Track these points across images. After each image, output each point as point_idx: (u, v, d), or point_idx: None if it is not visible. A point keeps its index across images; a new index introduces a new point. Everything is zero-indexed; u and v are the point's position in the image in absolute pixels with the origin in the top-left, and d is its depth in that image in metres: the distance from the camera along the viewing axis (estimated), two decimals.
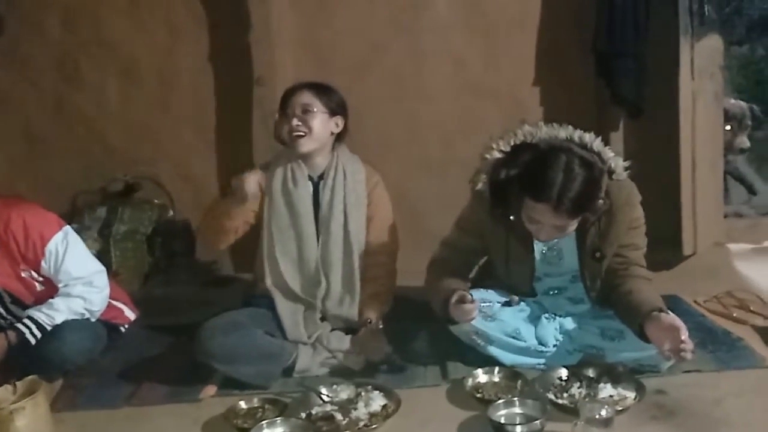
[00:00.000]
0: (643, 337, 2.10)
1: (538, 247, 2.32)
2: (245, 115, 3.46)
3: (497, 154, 2.26)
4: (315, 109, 2.45)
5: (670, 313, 2.07)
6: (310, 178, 2.54)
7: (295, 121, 2.44)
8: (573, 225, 2.14)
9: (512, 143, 2.26)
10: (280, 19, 3.41)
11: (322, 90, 2.50)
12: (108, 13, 3.55)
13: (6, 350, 2.29)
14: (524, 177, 2.12)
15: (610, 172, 2.20)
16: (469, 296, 2.21)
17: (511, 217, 2.21)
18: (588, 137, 2.22)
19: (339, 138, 2.56)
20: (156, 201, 3.62)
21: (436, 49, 3.51)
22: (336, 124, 2.52)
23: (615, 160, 2.22)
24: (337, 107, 2.51)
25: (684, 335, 1.97)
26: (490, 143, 2.30)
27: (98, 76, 3.64)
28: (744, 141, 3.96)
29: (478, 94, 3.52)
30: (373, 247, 2.55)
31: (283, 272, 2.48)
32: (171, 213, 3.63)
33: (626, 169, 2.22)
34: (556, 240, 2.26)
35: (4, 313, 2.43)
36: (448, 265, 2.42)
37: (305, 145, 2.47)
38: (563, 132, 2.24)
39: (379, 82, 3.51)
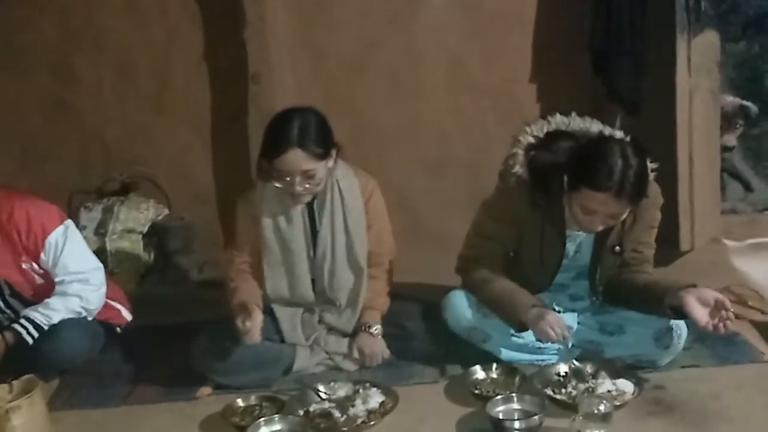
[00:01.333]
0: (676, 313, 2.08)
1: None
2: (241, 113, 3.45)
3: (531, 139, 2.23)
4: (316, 172, 2.25)
5: None
6: (300, 212, 2.39)
7: (298, 187, 2.25)
8: (626, 213, 2.10)
9: (545, 130, 2.24)
10: (275, 16, 3.39)
11: (312, 142, 2.22)
12: (103, 12, 3.53)
13: (3, 351, 2.28)
14: (579, 167, 2.07)
15: None
16: (554, 313, 2.13)
17: (538, 195, 2.17)
18: (618, 134, 2.21)
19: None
20: (152, 200, 3.61)
21: (433, 46, 3.50)
22: (331, 157, 2.32)
23: None
24: (327, 146, 2.28)
25: (729, 305, 1.97)
26: (523, 127, 2.26)
27: (94, 76, 3.63)
28: (730, 139, 3.92)
29: (474, 92, 3.52)
30: (371, 254, 2.48)
31: (275, 306, 2.45)
32: (167, 212, 3.61)
33: (653, 170, 2.19)
34: (581, 233, 2.23)
35: (2, 306, 2.44)
36: (489, 260, 2.30)
37: (308, 198, 2.35)
38: (595, 126, 2.23)
39: (375, 80, 3.51)
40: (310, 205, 2.39)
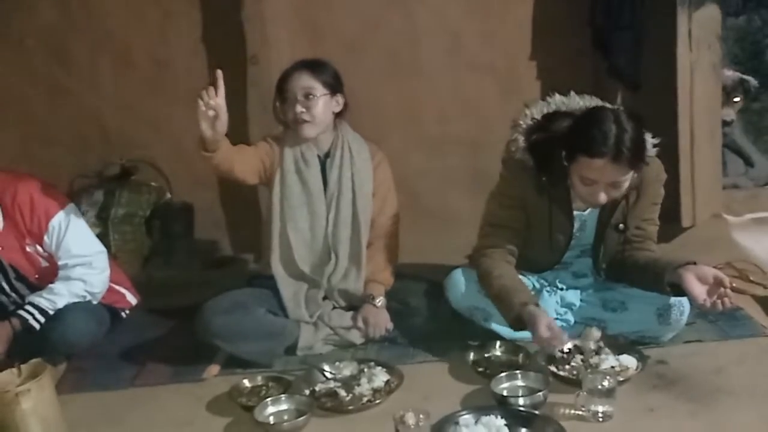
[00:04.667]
0: (675, 291, 2.08)
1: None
2: (240, 94, 3.42)
3: (530, 122, 2.23)
4: (317, 93, 2.41)
5: None
6: (317, 157, 2.52)
7: (298, 108, 2.40)
8: (627, 182, 2.09)
9: (545, 111, 2.24)
10: None
11: (319, 68, 2.46)
12: None
13: (11, 337, 2.30)
14: (574, 137, 2.07)
15: None
16: (545, 316, 2.06)
17: (543, 178, 2.17)
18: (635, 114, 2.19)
19: (340, 114, 2.54)
20: (153, 183, 3.60)
21: (432, 24, 3.47)
22: (337, 102, 2.49)
23: (644, 136, 2.20)
24: (336, 84, 2.47)
25: (728, 282, 1.97)
26: (523, 110, 2.26)
27: (91, 59, 3.60)
28: (729, 113, 3.88)
29: (474, 70, 3.50)
30: (375, 223, 2.55)
31: (294, 248, 2.48)
32: (168, 195, 3.61)
33: (655, 146, 2.19)
34: (587, 210, 2.23)
35: (7, 290, 2.45)
36: (499, 248, 2.29)
37: (310, 131, 2.44)
38: (594, 102, 2.22)
39: (375, 59, 3.48)
40: (323, 163, 2.50)
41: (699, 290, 1.99)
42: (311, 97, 2.40)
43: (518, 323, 2.12)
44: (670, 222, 3.12)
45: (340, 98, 2.49)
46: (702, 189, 3.18)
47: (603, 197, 2.09)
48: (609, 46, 3.16)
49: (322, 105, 2.42)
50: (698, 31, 3.06)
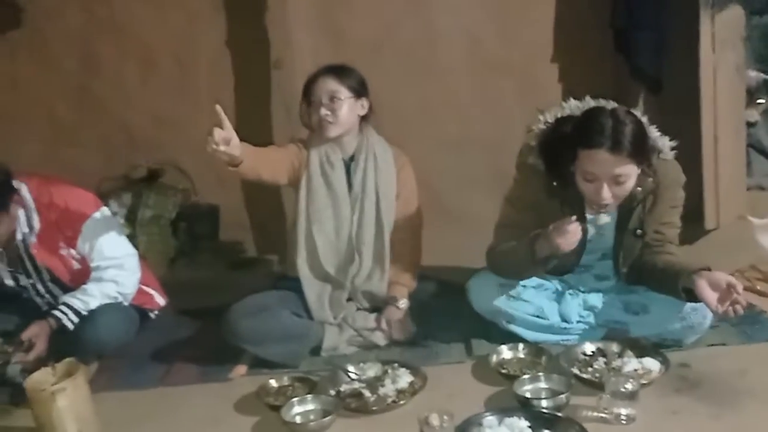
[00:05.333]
0: (689, 296, 2.09)
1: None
2: (264, 98, 3.48)
3: (543, 127, 2.25)
4: (342, 96, 2.46)
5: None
6: (342, 160, 2.56)
7: (323, 111, 2.44)
8: (631, 179, 2.09)
9: (558, 116, 2.26)
10: (296, 0, 3.40)
11: (345, 74, 2.50)
12: (126, 0, 3.57)
13: (49, 336, 2.36)
14: (575, 134, 2.11)
15: (657, 152, 2.19)
16: (574, 219, 2.09)
17: (555, 183, 2.19)
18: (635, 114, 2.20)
19: (365, 118, 2.57)
20: (179, 186, 3.67)
21: (451, 26, 3.50)
22: (362, 105, 2.53)
23: (661, 139, 2.21)
24: (361, 88, 2.52)
25: (740, 289, 1.97)
26: (537, 115, 2.29)
27: (118, 63, 3.68)
28: (752, 114, 3.86)
29: (494, 71, 3.52)
30: (398, 225, 2.58)
31: (318, 250, 2.51)
32: (194, 197, 3.67)
33: (672, 149, 2.20)
34: (602, 215, 2.24)
35: (42, 291, 2.52)
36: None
37: (333, 131, 2.48)
38: (609, 105, 2.22)
39: (395, 61, 3.52)
40: (348, 166, 2.54)
41: (711, 296, 2.00)
42: (336, 100, 2.45)
43: (538, 249, 2.15)
44: (694, 224, 3.11)
45: (365, 102, 2.53)
46: (726, 190, 3.16)
47: (606, 193, 2.09)
48: (631, 48, 3.15)
49: (347, 108, 2.47)
50: (722, 32, 3.05)
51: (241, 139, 3.77)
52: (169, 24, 3.59)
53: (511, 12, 3.45)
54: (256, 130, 3.54)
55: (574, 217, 2.10)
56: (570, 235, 2.10)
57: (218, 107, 2.16)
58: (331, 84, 2.46)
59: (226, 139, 2.15)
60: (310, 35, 3.46)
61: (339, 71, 2.49)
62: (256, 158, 2.35)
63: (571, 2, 3.39)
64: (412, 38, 3.51)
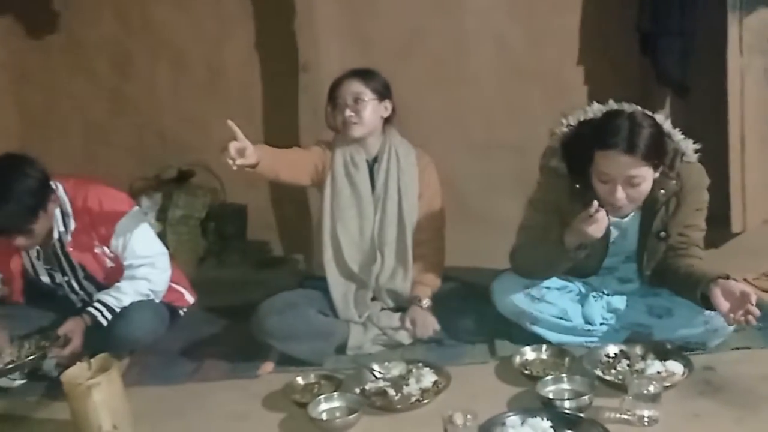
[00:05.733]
0: (706, 303, 2.10)
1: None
2: (292, 100, 3.53)
3: (565, 130, 2.28)
4: (366, 98, 2.52)
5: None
6: (366, 161, 2.61)
7: (347, 112, 2.51)
8: (647, 182, 2.11)
9: (581, 119, 2.28)
10: (324, 6, 3.45)
11: (369, 76, 2.56)
12: (159, 6, 3.65)
13: (83, 331, 2.43)
14: (591, 136, 2.13)
15: (681, 154, 2.19)
16: (596, 205, 2.09)
17: (577, 185, 2.21)
18: (658, 117, 2.21)
19: (389, 120, 2.62)
20: (208, 187, 3.72)
21: (479, 31, 3.51)
22: (385, 107, 2.59)
23: (685, 142, 2.22)
24: (384, 91, 2.58)
25: (754, 299, 1.98)
26: (560, 119, 2.31)
27: (150, 67, 3.76)
28: None
29: (521, 76, 3.52)
30: (422, 225, 2.62)
31: (343, 248, 2.56)
32: (223, 198, 3.73)
33: (696, 151, 2.21)
34: (626, 218, 2.26)
35: (77, 288, 2.60)
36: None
37: (357, 131, 2.54)
38: (630, 109, 2.23)
39: (422, 66, 3.54)
40: (370, 167, 2.59)
41: (724, 305, 2.01)
42: (360, 101, 2.51)
43: (567, 242, 2.17)
44: (720, 227, 3.10)
45: (388, 104, 2.59)
46: (752, 194, 3.14)
47: (620, 194, 2.10)
48: (657, 52, 3.14)
49: (371, 109, 2.53)
50: (749, 36, 3.03)
51: (268, 141, 3.86)
52: (200, 29, 3.66)
53: (539, 17, 3.46)
54: (283, 131, 3.62)
55: (595, 203, 2.10)
56: (599, 222, 2.10)
57: (230, 122, 2.23)
58: (355, 86, 2.52)
59: (240, 150, 2.23)
60: (337, 40, 3.50)
61: (363, 74, 2.56)
62: (275, 159, 2.41)
63: (597, 7, 3.39)
64: (439, 43, 3.53)
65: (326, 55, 3.46)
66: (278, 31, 3.50)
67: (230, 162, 2.21)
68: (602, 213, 2.10)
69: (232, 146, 2.21)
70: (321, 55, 3.44)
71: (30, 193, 2.30)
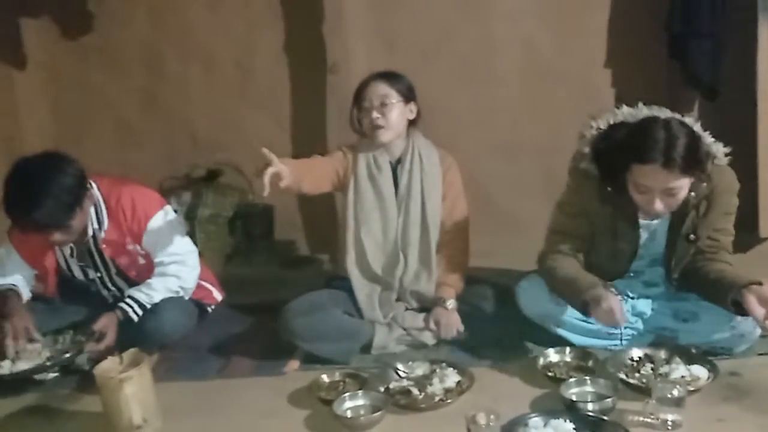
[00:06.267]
0: (737, 309, 2.09)
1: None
2: (320, 101, 3.57)
3: (595, 133, 2.27)
4: (393, 100, 2.54)
5: None
6: (389, 163, 2.64)
7: (374, 114, 2.54)
8: (683, 190, 2.11)
9: (611, 122, 2.27)
10: (353, 8, 3.48)
11: (395, 79, 2.59)
12: (191, 7, 3.71)
13: (117, 327, 2.49)
14: (627, 146, 2.11)
15: (712, 157, 2.18)
16: (612, 296, 2.11)
17: (608, 188, 2.20)
18: (688, 120, 2.19)
19: (413, 123, 2.65)
20: (236, 186, 3.77)
21: (506, 33, 3.52)
22: (411, 110, 2.61)
23: (716, 145, 2.20)
24: (410, 93, 2.61)
25: None
26: (589, 122, 2.30)
27: (181, 68, 3.82)
28: None
29: (548, 77, 3.52)
30: (445, 226, 2.64)
31: (366, 251, 2.60)
32: (251, 197, 3.78)
33: (727, 155, 2.20)
34: (655, 220, 2.25)
35: (109, 284, 2.66)
36: (564, 253, 2.34)
37: (385, 136, 2.56)
38: (663, 114, 2.22)
39: (449, 67, 3.56)
40: (394, 169, 2.62)
41: (759, 312, 1.99)
42: (387, 104, 2.53)
43: (586, 307, 2.16)
44: (748, 232, 3.07)
45: (413, 106, 2.62)
46: None
47: (659, 205, 2.10)
48: (686, 54, 3.12)
49: (397, 112, 2.55)
50: None
51: (296, 141, 3.89)
52: (231, 30, 3.72)
53: (566, 19, 3.45)
54: (311, 132, 3.67)
55: (613, 291, 2.11)
56: (611, 314, 2.08)
57: (265, 150, 2.28)
58: (382, 88, 2.55)
59: (279, 176, 2.28)
60: (365, 41, 3.53)
61: (389, 76, 2.59)
62: (298, 172, 2.44)
63: (625, 9, 3.38)
64: (466, 44, 3.54)
65: (354, 57, 3.49)
66: (307, 32, 3.54)
67: (269, 192, 2.26)
68: (616, 303, 2.09)
69: (268, 175, 2.26)
70: (349, 56, 3.47)
71: (68, 191, 2.37)
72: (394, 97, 2.55)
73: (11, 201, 2.33)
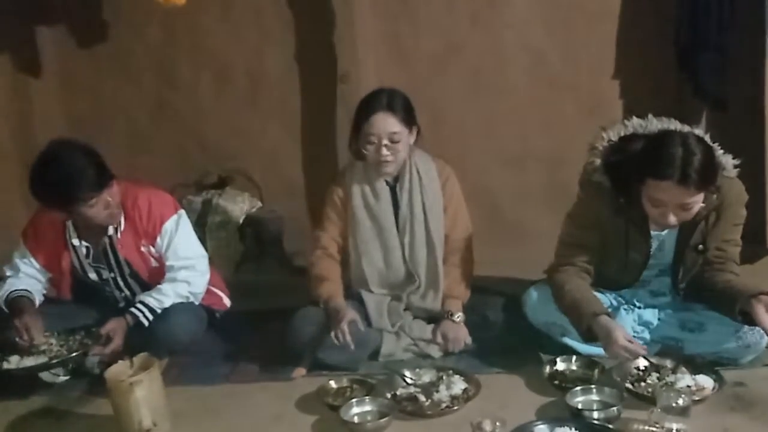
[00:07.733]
0: (745, 319, 2.10)
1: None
2: (330, 111, 3.61)
3: (606, 144, 2.27)
4: (402, 137, 2.47)
5: None
6: (386, 183, 2.60)
7: (384, 152, 2.46)
8: (698, 204, 2.11)
9: (622, 134, 2.27)
10: (363, 18, 3.52)
11: (398, 107, 2.48)
12: (203, 17, 3.75)
13: (125, 331, 2.52)
14: (643, 160, 2.11)
15: (721, 169, 2.18)
16: (621, 328, 2.14)
17: (621, 200, 2.20)
18: (697, 132, 2.20)
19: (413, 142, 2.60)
20: (247, 193, 3.80)
21: (515, 43, 3.54)
22: (413, 135, 2.55)
23: (725, 157, 2.21)
24: (411, 118, 2.52)
25: None
26: (599, 133, 2.30)
27: (193, 77, 3.86)
28: None
29: (556, 88, 3.54)
30: (449, 237, 2.63)
31: (369, 281, 2.60)
32: (260, 204, 3.81)
33: (736, 167, 2.21)
34: (665, 230, 2.26)
35: (122, 285, 2.70)
36: (574, 266, 2.34)
37: (392, 169, 2.53)
38: (672, 125, 2.24)
39: (458, 77, 3.58)
40: (392, 188, 2.58)
41: (767, 321, 2.00)
42: (396, 141, 2.47)
43: (590, 334, 2.17)
44: (755, 244, 3.08)
45: (415, 130, 2.55)
46: None
47: (673, 219, 2.11)
48: (695, 67, 3.13)
49: (404, 144, 2.50)
50: None
51: (307, 150, 3.88)
52: (242, 40, 3.75)
53: (575, 30, 3.47)
54: (321, 141, 3.70)
55: (641, 350, 2.13)
56: (620, 354, 2.11)
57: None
58: (391, 125, 2.45)
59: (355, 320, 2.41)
60: (376, 52, 3.56)
61: (393, 106, 2.47)
62: (339, 281, 2.58)
63: (634, 21, 3.39)
64: (476, 56, 3.56)
65: (364, 67, 3.52)
66: (318, 42, 3.57)
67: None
68: (638, 350, 2.11)
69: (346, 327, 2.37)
70: (359, 66, 3.50)
71: (93, 166, 2.42)
72: (402, 132, 2.47)
73: (43, 174, 2.38)
